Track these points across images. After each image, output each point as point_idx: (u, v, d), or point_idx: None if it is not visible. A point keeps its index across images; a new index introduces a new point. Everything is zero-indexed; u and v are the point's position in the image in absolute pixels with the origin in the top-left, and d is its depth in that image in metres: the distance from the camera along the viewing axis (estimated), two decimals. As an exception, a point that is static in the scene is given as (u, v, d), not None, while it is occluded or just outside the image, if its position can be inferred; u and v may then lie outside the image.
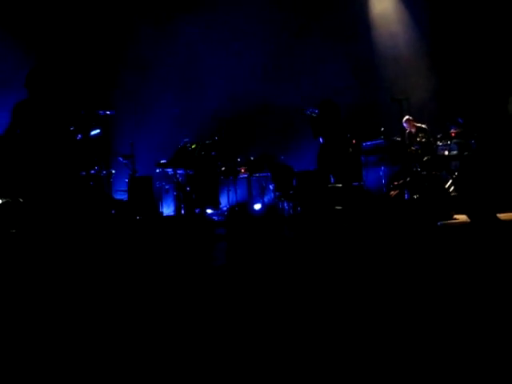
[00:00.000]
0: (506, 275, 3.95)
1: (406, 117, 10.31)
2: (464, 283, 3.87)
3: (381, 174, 10.02)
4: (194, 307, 3.71)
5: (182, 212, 9.49)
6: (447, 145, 9.87)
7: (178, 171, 9.70)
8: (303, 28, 12.49)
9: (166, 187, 10.29)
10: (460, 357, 2.45)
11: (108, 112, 8.72)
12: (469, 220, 6.91)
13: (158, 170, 9.87)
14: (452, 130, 9.89)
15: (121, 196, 9.56)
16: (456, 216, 8.28)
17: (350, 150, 9.29)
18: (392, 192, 9.29)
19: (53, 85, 6.48)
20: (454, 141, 9.78)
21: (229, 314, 3.48)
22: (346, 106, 10.45)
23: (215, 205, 10.00)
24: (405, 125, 10.40)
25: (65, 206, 6.24)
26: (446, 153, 9.87)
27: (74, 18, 10.97)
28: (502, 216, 6.87)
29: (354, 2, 12.69)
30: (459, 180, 9.29)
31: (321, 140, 8.81)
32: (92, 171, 8.20)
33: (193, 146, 9.58)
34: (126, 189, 9.48)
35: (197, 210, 9.54)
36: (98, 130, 7.88)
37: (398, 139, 9.77)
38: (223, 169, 10.32)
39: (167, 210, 10.33)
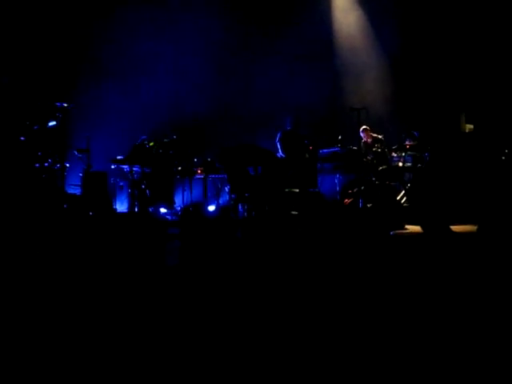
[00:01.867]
0: (455, 284, 4.05)
1: (364, 126, 10.50)
2: (413, 291, 3.95)
3: (336, 181, 10.12)
4: (146, 306, 3.68)
5: (136, 209, 9.39)
6: (402, 156, 10.06)
7: (134, 168, 9.58)
8: (263, 38, 12.56)
9: (121, 184, 10.15)
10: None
11: (65, 104, 8.57)
12: (421, 230, 7.05)
13: (113, 166, 9.72)
14: (407, 143, 10.10)
15: (74, 191, 9.38)
16: (407, 226, 8.44)
17: (307, 155, 9.40)
18: (346, 200, 9.41)
19: (7, 71, 6.33)
20: (409, 153, 9.99)
21: (179, 313, 3.47)
22: (306, 114, 10.59)
23: (169, 204, 9.92)
24: (362, 134, 10.60)
25: (16, 197, 6.09)
26: (400, 164, 10.08)
27: (31, 10, 10.72)
28: (454, 228, 7.04)
29: (315, 13, 12.81)
30: (412, 191, 9.48)
31: (283, 155, 9.16)
32: (45, 164, 8.03)
33: (150, 144, 9.49)
34: (80, 183, 9.32)
35: (151, 209, 9.45)
36: (54, 122, 7.74)
37: (355, 148, 9.92)
38: (180, 168, 10.25)
39: (121, 206, 10.18)
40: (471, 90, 11.35)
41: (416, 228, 8.13)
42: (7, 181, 6.02)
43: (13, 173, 6.12)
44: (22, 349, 2.74)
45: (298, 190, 8.46)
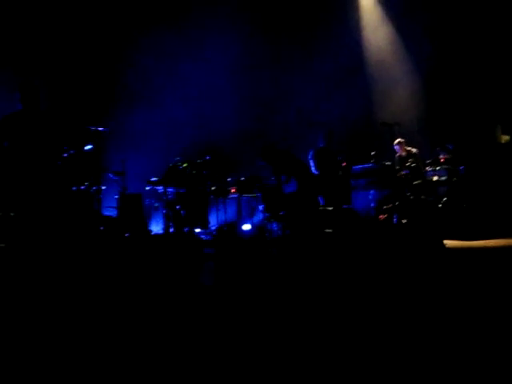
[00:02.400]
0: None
1: (398, 139, 10.41)
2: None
3: (370, 197, 10.03)
4: (183, 325, 3.70)
5: (171, 230, 9.46)
6: (436, 170, 9.94)
7: (169, 189, 9.68)
8: (297, 53, 12.61)
9: (156, 205, 10.26)
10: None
11: (100, 128, 8.73)
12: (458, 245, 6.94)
13: (148, 188, 9.83)
14: (441, 156, 9.98)
15: (110, 213, 9.52)
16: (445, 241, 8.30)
17: (340, 172, 9.37)
18: (381, 216, 9.32)
19: (42, 99, 6.46)
20: (443, 166, 9.86)
21: (217, 332, 3.48)
22: (339, 130, 10.58)
23: (204, 224, 9.97)
24: (396, 147, 10.49)
25: (54, 220, 6.20)
26: (435, 178, 9.94)
27: (69, 36, 11.02)
28: (489, 242, 6.92)
29: (345, 29, 12.83)
30: (447, 205, 9.35)
31: (316, 172, 9.19)
32: (82, 187, 8.16)
33: (184, 165, 9.58)
34: (116, 206, 9.45)
35: (186, 229, 9.51)
36: (90, 146, 7.88)
37: (388, 163, 9.82)
38: (213, 188, 10.32)
39: (156, 227, 10.28)
40: (506, 100, 11.17)
41: (452, 243, 8.01)
42: (45, 204, 6.12)
43: (50, 196, 6.22)
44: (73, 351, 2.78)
45: (331, 208, 8.40)
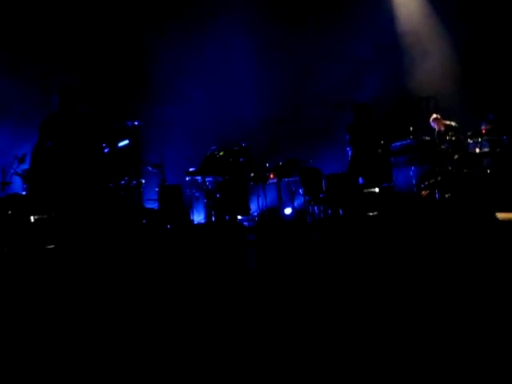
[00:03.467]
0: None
1: (434, 115, 10.16)
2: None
3: (411, 174, 9.87)
4: (228, 311, 3.72)
5: (213, 219, 9.52)
6: (478, 142, 9.67)
7: (207, 179, 9.73)
8: (330, 30, 12.45)
9: (196, 195, 10.33)
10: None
11: (136, 123, 8.82)
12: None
13: (187, 178, 9.90)
14: (483, 127, 9.72)
15: (151, 205, 9.63)
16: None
17: (379, 151, 9.22)
18: (423, 192, 9.17)
19: (80, 100, 6.57)
20: (485, 138, 9.58)
21: (261, 317, 3.48)
22: (375, 107, 10.38)
23: (245, 211, 9.99)
24: (432, 124, 10.25)
25: (97, 218, 6.30)
26: (478, 150, 9.69)
27: (102, 34, 11.14)
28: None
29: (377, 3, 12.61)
30: (493, 177, 9.12)
31: (349, 151, 9.02)
32: (122, 182, 8.28)
33: (220, 153, 9.60)
34: (157, 198, 9.56)
35: (227, 217, 9.55)
36: (126, 141, 7.97)
37: (428, 138, 9.62)
38: (252, 175, 10.33)
39: (198, 217, 10.37)
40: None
41: (505, 215, 7.77)
42: (89, 202, 6.23)
43: (94, 194, 6.33)
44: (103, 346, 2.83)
45: (377, 190, 8.28)
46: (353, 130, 9.18)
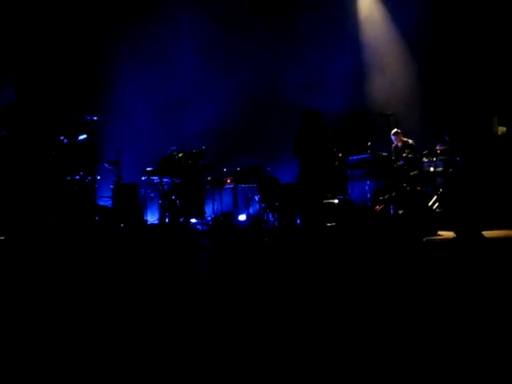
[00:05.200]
0: (489, 290, 3.96)
1: (395, 129, 10.37)
2: (448, 298, 3.87)
3: (366, 188, 10.03)
4: (179, 315, 3.68)
5: (167, 220, 9.43)
6: (433, 161, 9.91)
7: (164, 179, 9.64)
8: (290, 39, 12.56)
9: (151, 195, 10.23)
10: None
11: (94, 117, 8.67)
12: (454, 236, 6.92)
13: (143, 178, 9.80)
14: (438, 147, 9.95)
15: (105, 202, 9.47)
16: (440, 232, 8.30)
17: (336, 163, 9.32)
18: (377, 206, 9.31)
19: (40, 90, 6.45)
20: (440, 157, 9.83)
21: (212, 322, 3.46)
22: (334, 120, 10.50)
23: (200, 214, 9.95)
24: (392, 137, 10.44)
25: (49, 210, 6.17)
26: (432, 169, 9.92)
27: (62, 26, 10.98)
28: (486, 233, 6.90)
29: (343, 23, 12.79)
30: (444, 196, 9.34)
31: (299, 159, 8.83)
32: (77, 176, 8.11)
33: (180, 155, 9.53)
34: (111, 195, 9.41)
35: (181, 219, 9.49)
36: (84, 136, 7.83)
37: (385, 154, 9.80)
38: (209, 178, 10.30)
39: (151, 218, 10.25)
40: (503, 91, 11.14)
41: (449, 234, 8.00)
42: (40, 194, 6.10)
43: (45, 186, 6.19)
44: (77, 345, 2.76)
45: (336, 201, 8.32)
46: (298, 137, 8.91)
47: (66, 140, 7.05)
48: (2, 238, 5.91)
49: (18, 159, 6.05)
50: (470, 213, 7.47)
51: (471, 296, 3.90)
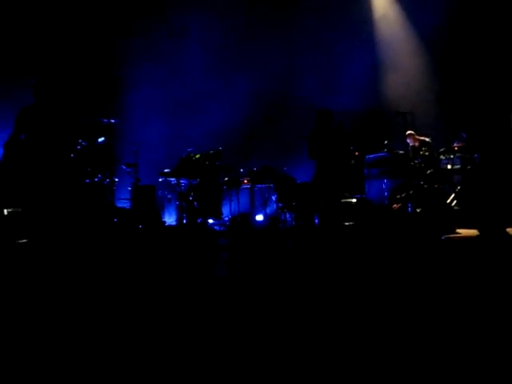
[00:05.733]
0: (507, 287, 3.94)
1: (408, 132, 10.27)
2: (469, 297, 3.86)
3: (383, 186, 9.99)
4: (196, 316, 3.70)
5: (184, 221, 9.47)
6: (450, 159, 9.85)
7: (181, 181, 9.69)
8: (304, 39, 12.55)
9: (169, 196, 10.26)
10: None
11: (112, 120, 8.74)
12: (472, 234, 6.89)
13: (160, 179, 9.84)
14: (455, 144, 9.90)
15: (123, 204, 9.54)
16: (459, 230, 8.26)
17: (353, 162, 9.28)
18: (395, 205, 9.28)
19: (58, 93, 6.50)
20: (457, 155, 9.76)
21: (229, 323, 3.48)
22: (351, 119, 10.46)
23: (217, 215, 9.97)
24: (408, 140, 10.37)
25: (68, 213, 6.22)
26: (449, 167, 9.86)
27: (80, 31, 11.08)
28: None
29: (358, 22, 12.74)
30: (462, 194, 9.29)
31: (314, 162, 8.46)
32: (95, 179, 8.19)
33: (196, 156, 9.57)
34: (129, 197, 9.47)
35: (199, 220, 9.52)
36: (102, 138, 7.90)
37: (402, 152, 9.75)
38: (226, 179, 10.32)
39: (169, 219, 10.31)
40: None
41: (468, 232, 7.96)
42: (60, 197, 6.15)
43: (65, 189, 6.25)
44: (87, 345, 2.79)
45: (354, 200, 8.27)
46: (312, 139, 8.52)
47: (84, 143, 7.11)
48: (25, 240, 5.98)
49: (37, 162, 6.10)
50: (493, 210, 7.39)
51: (491, 294, 3.88)
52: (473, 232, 7.52)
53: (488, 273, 4.65)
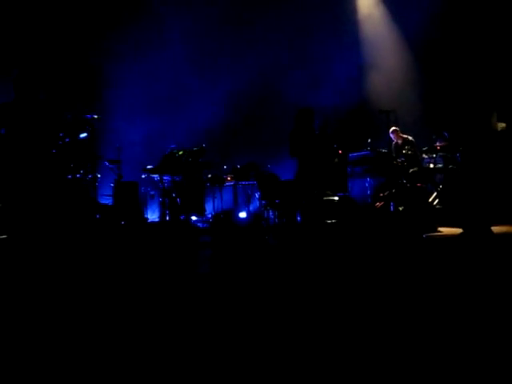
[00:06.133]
0: (494, 286, 3.98)
1: (393, 128, 10.36)
2: (451, 293, 3.88)
3: (366, 185, 10.04)
4: (179, 313, 3.69)
5: (167, 218, 9.44)
6: (433, 158, 9.93)
7: (165, 177, 9.65)
8: (290, 37, 12.56)
9: (152, 193, 10.24)
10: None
11: (95, 116, 8.67)
12: (457, 233, 6.93)
13: (143, 176, 9.81)
14: (437, 144, 9.97)
15: (106, 201, 9.48)
16: (440, 228, 8.32)
17: (336, 160, 9.29)
18: (377, 203, 9.32)
19: (41, 87, 6.44)
20: (440, 154, 9.85)
21: (213, 320, 3.47)
22: (335, 117, 10.49)
23: (200, 212, 9.96)
24: (391, 135, 10.44)
25: (50, 209, 6.17)
26: (432, 166, 9.94)
27: (62, 27, 11.01)
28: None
29: (343, 21, 12.78)
30: (444, 193, 9.36)
31: (296, 160, 8.47)
32: (77, 175, 8.12)
33: (180, 153, 9.54)
34: (112, 193, 9.42)
35: (182, 217, 9.49)
36: (85, 134, 7.84)
37: (385, 151, 9.81)
38: (209, 176, 10.30)
39: (152, 215, 10.27)
40: (502, 87, 11.13)
41: (449, 230, 8.02)
42: (41, 193, 6.09)
43: (46, 185, 6.19)
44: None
45: (337, 198, 8.28)
46: (294, 137, 8.54)
47: (66, 138, 7.05)
48: (4, 236, 5.92)
49: (18, 158, 6.04)
50: (476, 209, 7.45)
51: (473, 292, 3.91)
52: (454, 230, 7.58)
53: (470, 270, 4.69)
